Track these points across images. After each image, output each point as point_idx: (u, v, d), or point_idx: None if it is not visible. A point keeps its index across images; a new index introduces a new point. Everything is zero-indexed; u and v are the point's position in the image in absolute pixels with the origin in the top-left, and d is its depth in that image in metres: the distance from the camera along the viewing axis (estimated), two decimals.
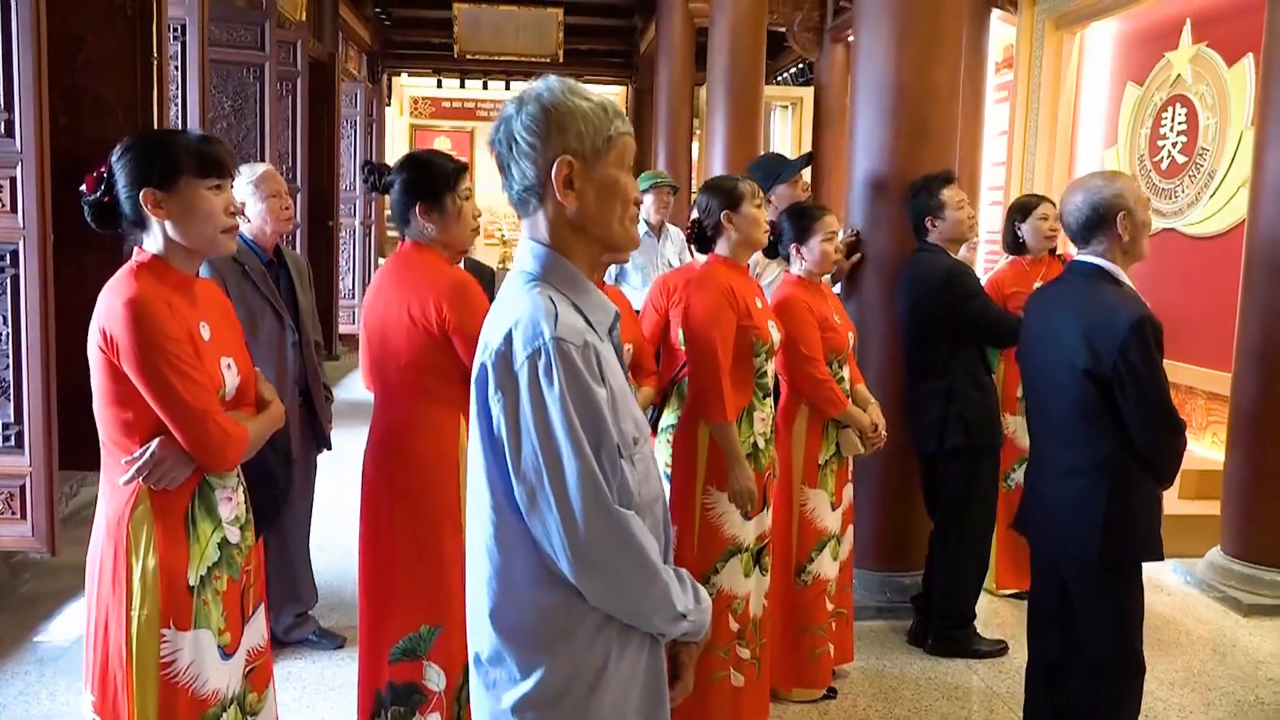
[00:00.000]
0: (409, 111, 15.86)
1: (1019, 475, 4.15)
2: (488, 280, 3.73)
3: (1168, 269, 5.77)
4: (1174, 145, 6.00)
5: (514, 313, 1.41)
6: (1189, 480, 4.95)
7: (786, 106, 12.19)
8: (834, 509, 3.31)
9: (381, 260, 10.89)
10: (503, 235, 16.36)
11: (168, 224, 1.91)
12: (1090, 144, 6.94)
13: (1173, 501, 4.83)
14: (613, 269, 5.06)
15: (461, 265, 2.84)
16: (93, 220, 1.94)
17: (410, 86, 15.84)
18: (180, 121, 4.87)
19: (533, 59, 14.06)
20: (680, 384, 3.22)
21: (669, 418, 3.34)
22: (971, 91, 6.44)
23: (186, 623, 1.89)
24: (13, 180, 3.34)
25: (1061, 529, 2.53)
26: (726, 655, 2.94)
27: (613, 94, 15.01)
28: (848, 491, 3.40)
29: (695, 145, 11.35)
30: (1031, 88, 7.05)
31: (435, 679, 2.66)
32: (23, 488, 3.39)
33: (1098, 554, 2.43)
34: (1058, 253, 4.24)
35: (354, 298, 9.11)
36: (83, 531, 4.52)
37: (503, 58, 14.06)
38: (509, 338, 1.39)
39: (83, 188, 1.93)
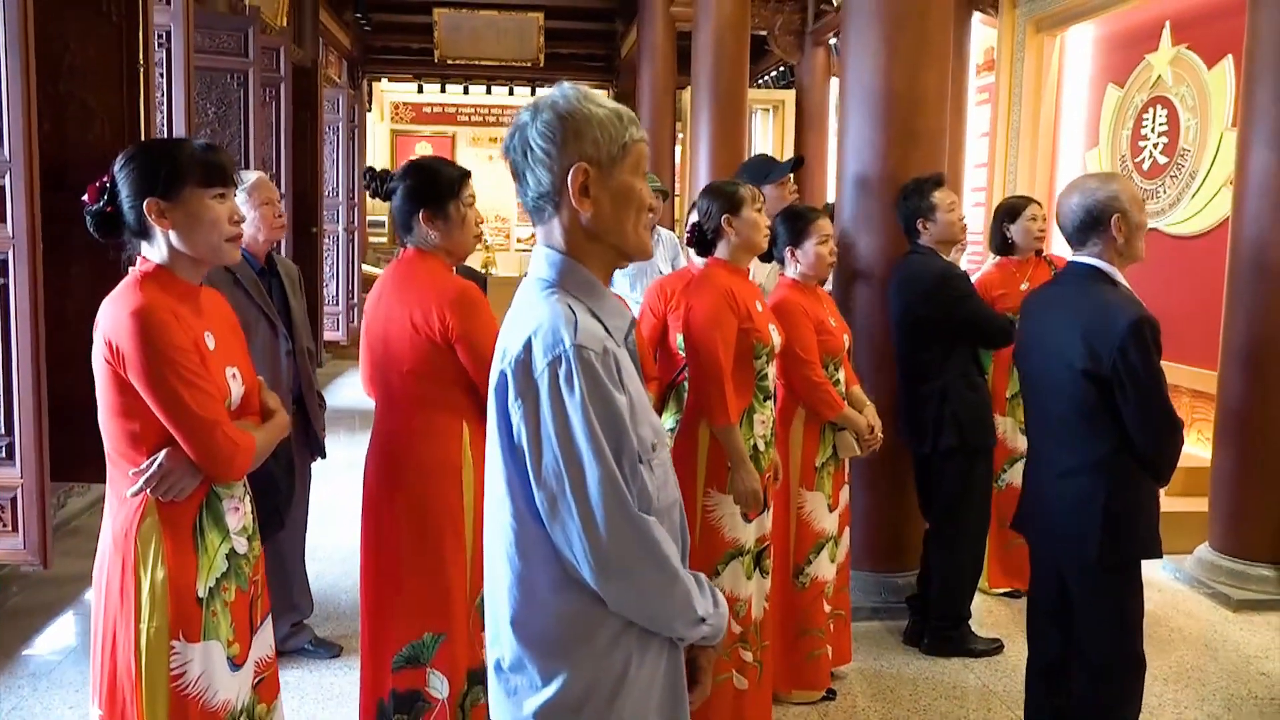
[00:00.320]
0: (390, 117, 15.81)
1: (1009, 476, 4.19)
2: (480, 286, 3.73)
3: (1150, 269, 5.75)
4: (1155, 146, 6.07)
5: (533, 320, 1.41)
6: (1176, 477, 4.94)
7: (768, 110, 12.24)
8: (831, 511, 3.32)
9: (365, 267, 10.86)
10: (485, 242, 16.34)
11: (172, 233, 1.89)
12: (1072, 145, 7.00)
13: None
14: None
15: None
16: (95, 230, 1.92)
17: (391, 92, 15.80)
18: (166, 128, 4.84)
19: (513, 64, 14.06)
20: (679, 387, 3.22)
21: (668, 421, 3.35)
22: (953, 94, 6.48)
23: (196, 634, 1.88)
24: (1, 189, 3.31)
25: (1061, 529, 2.55)
26: (729, 658, 2.95)
27: None
28: (844, 493, 3.42)
29: (678, 149, 11.38)
30: (1013, 90, 7.11)
31: (438, 686, 2.65)
32: (14, 500, 3.36)
33: (1098, 554, 2.45)
34: (1043, 254, 4.27)
35: (338, 304, 9.07)
36: (70, 544, 4.50)
37: (483, 62, 14.04)
38: (528, 345, 1.39)
39: (85, 198, 1.91)
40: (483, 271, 11.11)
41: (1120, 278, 2.48)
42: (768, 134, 12.02)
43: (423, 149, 15.47)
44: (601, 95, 1.53)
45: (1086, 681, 2.58)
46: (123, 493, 1.89)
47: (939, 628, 3.74)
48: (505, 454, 1.43)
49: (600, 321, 1.44)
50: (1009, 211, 4.23)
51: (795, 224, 3.28)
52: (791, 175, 4.13)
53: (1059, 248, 5.51)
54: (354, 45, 13.42)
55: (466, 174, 2.61)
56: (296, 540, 3.64)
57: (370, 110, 14.51)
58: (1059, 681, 2.70)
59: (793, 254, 3.28)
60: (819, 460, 3.28)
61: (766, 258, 3.44)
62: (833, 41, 9.76)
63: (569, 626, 1.43)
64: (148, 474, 1.85)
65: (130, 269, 1.98)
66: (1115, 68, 6.51)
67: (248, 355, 2.09)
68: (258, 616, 2.04)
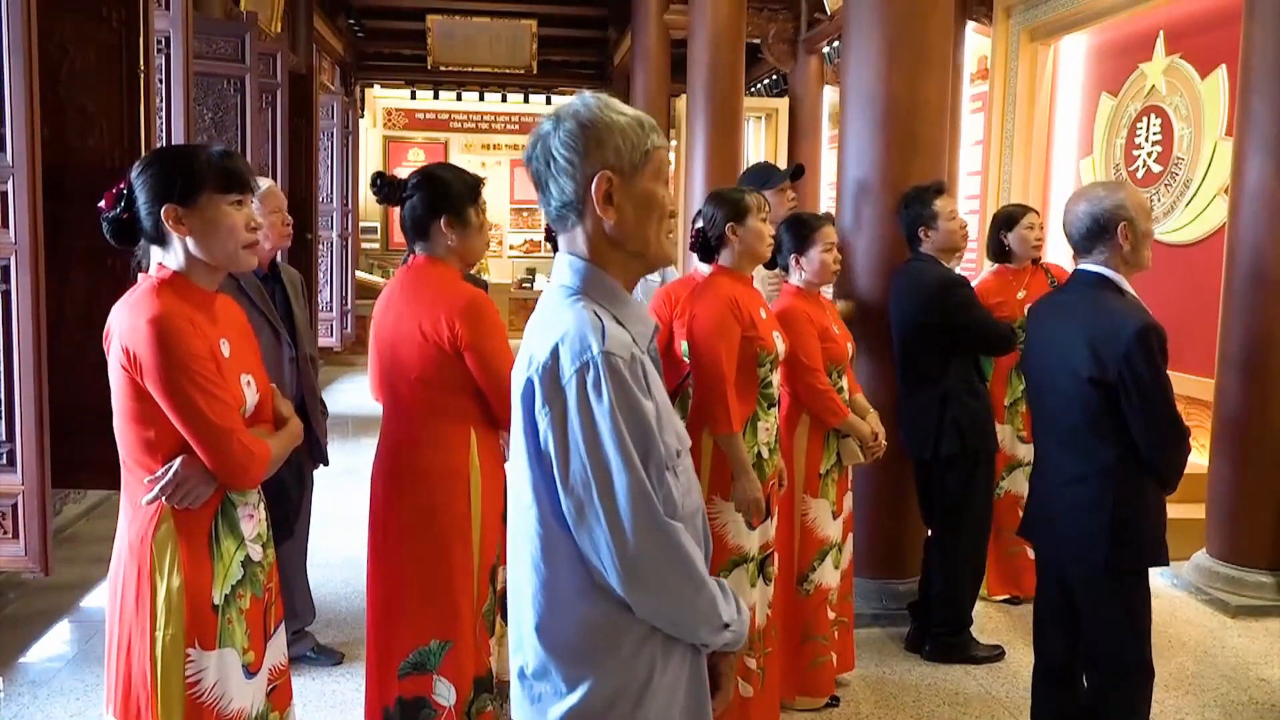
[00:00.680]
0: (382, 123, 15.79)
1: (1007, 483, 4.22)
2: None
3: (1144, 276, 5.82)
4: (1149, 155, 6.11)
5: (559, 327, 1.41)
6: None
7: (760, 117, 12.26)
8: (835, 518, 3.33)
9: (359, 274, 10.83)
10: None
11: (189, 240, 1.89)
12: (1065, 154, 7.04)
13: None
14: None
15: None
16: (111, 237, 1.92)
17: (383, 98, 15.77)
18: (165, 134, 4.83)
19: (506, 70, 14.06)
20: (684, 395, 3.23)
21: None
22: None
23: (211, 642, 1.88)
24: (3, 195, 3.29)
25: (1068, 535, 2.56)
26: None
27: None
28: (848, 500, 3.43)
29: (671, 156, 11.39)
30: (1007, 98, 7.15)
31: (445, 693, 2.64)
32: (15, 506, 3.34)
33: (1105, 561, 2.46)
34: (1040, 263, 4.29)
35: (332, 311, 9.04)
36: (66, 551, 4.48)
37: (476, 69, 14.03)
38: (556, 352, 1.39)
39: (101, 204, 1.91)
40: (483, 278, 11.10)
41: (1127, 286, 2.50)
42: (760, 142, 12.04)
43: (415, 155, 15.44)
44: (622, 103, 1.53)
45: (1095, 688, 2.60)
46: (138, 500, 1.89)
47: (940, 634, 3.75)
48: (531, 460, 1.43)
49: (625, 328, 1.45)
50: (1006, 220, 4.25)
51: (800, 231, 3.29)
52: (790, 182, 4.15)
53: (1055, 256, 5.56)
54: (347, 51, 13.40)
55: (481, 180, 2.63)
56: (298, 547, 3.62)
57: (363, 116, 14.49)
58: (1065, 687, 2.71)
59: (797, 261, 3.30)
60: (823, 467, 3.30)
61: (768, 265, 3.45)
62: (826, 50, 9.82)
63: (594, 633, 1.43)
64: (163, 481, 1.85)
65: (140, 276, 1.98)
66: (1109, 77, 6.56)
67: (261, 362, 2.09)
68: (271, 623, 2.04)
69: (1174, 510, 4.88)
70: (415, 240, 2.60)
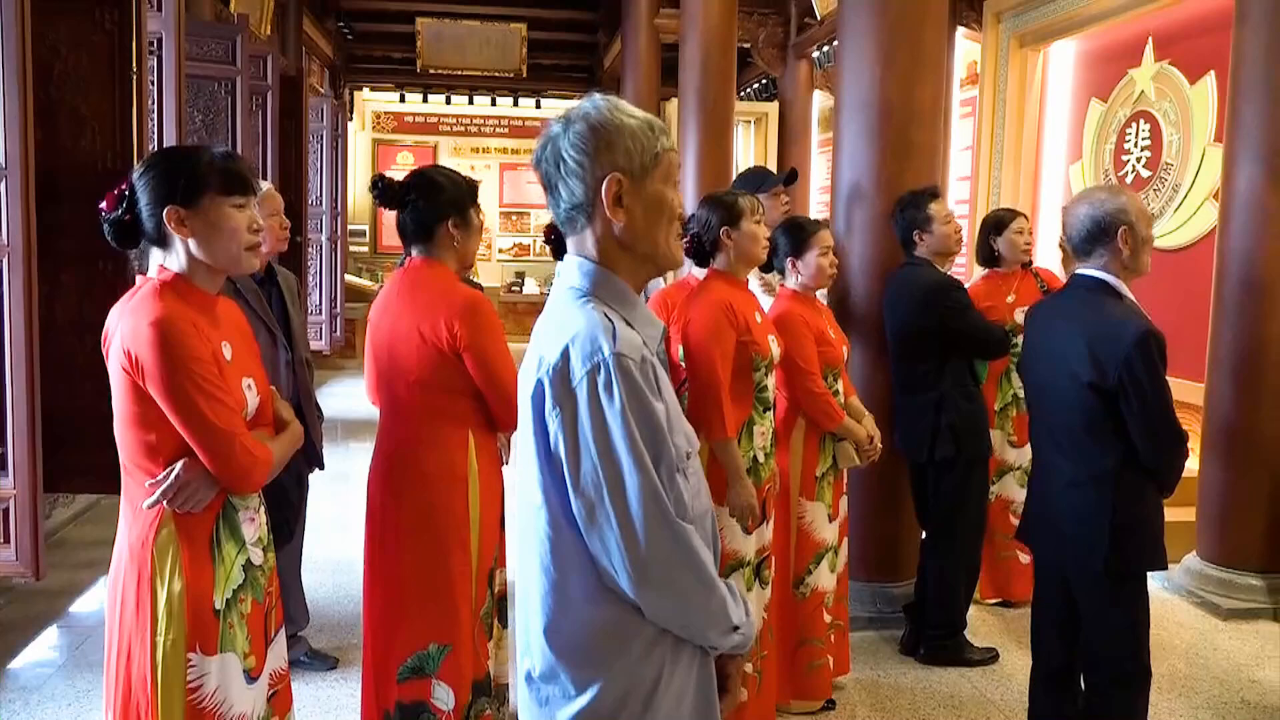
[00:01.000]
0: (371, 126, 15.74)
1: (998, 488, 4.23)
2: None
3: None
4: (1138, 160, 6.15)
5: (570, 328, 1.41)
6: None
7: (749, 122, 12.29)
8: (831, 521, 3.34)
9: (349, 277, 10.80)
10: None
11: (191, 242, 1.88)
12: (1055, 159, 7.08)
13: None
14: None
15: None
16: (113, 239, 1.91)
17: (372, 101, 15.73)
18: (156, 137, 4.81)
19: (496, 74, 14.05)
20: (679, 400, 3.23)
21: None
22: None
23: (213, 647, 1.86)
24: None
25: (1067, 539, 2.57)
26: None
27: None
28: (844, 503, 3.44)
29: None
30: (996, 103, 7.19)
31: (444, 698, 2.64)
32: (6, 511, 3.32)
33: (1104, 564, 2.47)
34: (1030, 267, 4.31)
35: (321, 314, 9.01)
36: (55, 556, 4.44)
37: (466, 72, 14.02)
38: (566, 353, 1.39)
39: (102, 205, 1.90)
40: (477, 281, 11.06)
41: (1126, 291, 2.52)
42: (750, 146, 12.07)
43: (404, 159, 15.41)
44: (631, 105, 1.53)
45: (1094, 692, 2.60)
46: (138, 504, 1.87)
47: (935, 637, 3.76)
48: (541, 462, 1.42)
49: (635, 330, 1.45)
50: (995, 224, 4.25)
51: (797, 235, 3.30)
52: (784, 187, 4.16)
53: (1045, 260, 5.58)
54: (336, 54, 13.37)
55: (477, 182, 2.63)
56: (293, 552, 3.59)
57: (352, 120, 14.45)
58: (1063, 690, 2.72)
59: (794, 265, 3.30)
60: (819, 470, 3.30)
61: (767, 268, 3.46)
62: (815, 54, 9.84)
63: (603, 635, 1.43)
64: (165, 485, 1.84)
65: (138, 278, 1.97)
66: (1098, 82, 6.60)
67: (262, 366, 2.08)
68: (272, 628, 2.03)
69: (1165, 513, 4.96)
70: (416, 242, 2.60)
